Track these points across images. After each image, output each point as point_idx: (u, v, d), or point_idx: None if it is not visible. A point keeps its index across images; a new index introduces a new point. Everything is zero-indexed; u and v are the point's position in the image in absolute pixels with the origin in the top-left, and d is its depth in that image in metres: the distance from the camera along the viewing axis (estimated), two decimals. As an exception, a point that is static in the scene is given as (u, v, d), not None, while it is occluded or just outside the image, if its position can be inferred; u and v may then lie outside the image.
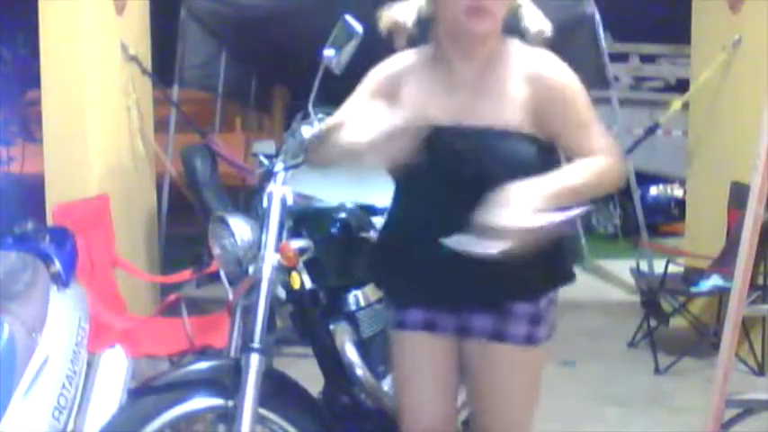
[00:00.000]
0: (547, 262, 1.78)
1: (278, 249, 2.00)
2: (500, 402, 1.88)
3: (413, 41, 1.89)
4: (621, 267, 5.79)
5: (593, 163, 1.76)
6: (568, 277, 1.88)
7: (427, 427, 1.92)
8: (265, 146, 2.39)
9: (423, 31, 1.87)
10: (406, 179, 1.85)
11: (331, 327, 2.17)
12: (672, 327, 4.68)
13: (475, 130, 1.76)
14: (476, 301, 1.82)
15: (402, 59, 1.91)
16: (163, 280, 4.84)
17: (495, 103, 1.77)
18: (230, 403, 1.91)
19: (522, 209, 1.57)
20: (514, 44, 1.83)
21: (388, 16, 1.86)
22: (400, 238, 1.90)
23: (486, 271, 1.64)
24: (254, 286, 1.97)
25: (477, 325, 1.82)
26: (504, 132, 1.75)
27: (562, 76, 1.80)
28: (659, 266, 4.68)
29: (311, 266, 2.12)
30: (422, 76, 1.86)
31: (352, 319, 2.20)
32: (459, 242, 1.61)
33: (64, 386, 2.18)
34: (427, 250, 1.74)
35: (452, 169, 1.76)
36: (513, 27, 1.83)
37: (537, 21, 1.84)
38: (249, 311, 1.97)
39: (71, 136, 4.27)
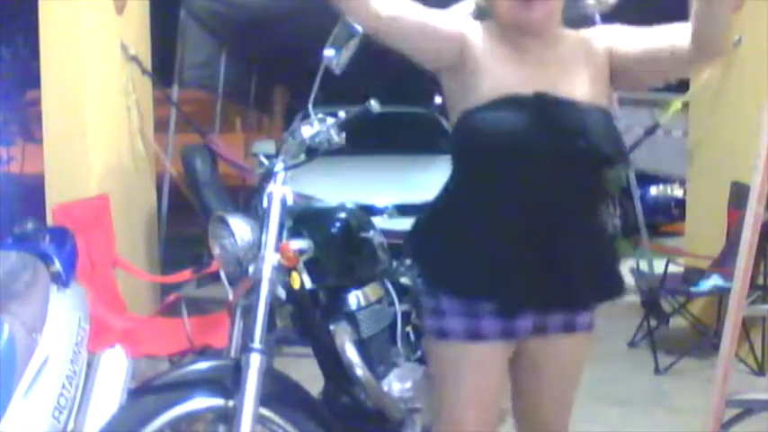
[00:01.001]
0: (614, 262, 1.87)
1: (278, 249, 2.00)
2: (565, 391, 1.92)
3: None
4: (621, 267, 5.78)
5: None
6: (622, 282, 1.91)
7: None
8: (265, 146, 2.40)
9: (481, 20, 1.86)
10: (502, 156, 1.69)
11: (331, 327, 2.17)
12: (672, 327, 4.68)
13: (582, 103, 1.72)
14: (588, 298, 1.82)
15: (470, 24, 1.82)
16: (163, 280, 4.84)
17: (577, 78, 1.77)
18: (230, 403, 1.91)
19: None
20: (569, 32, 1.85)
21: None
22: (495, 236, 1.73)
23: (592, 261, 1.73)
24: (254, 286, 1.97)
25: (552, 323, 1.81)
26: (600, 108, 1.76)
27: (606, 28, 1.86)
28: (659, 266, 4.68)
29: (311, 266, 2.12)
30: (492, 49, 1.77)
31: (352, 319, 2.20)
32: None
33: (64, 386, 2.18)
34: (531, 244, 1.69)
35: (561, 139, 1.67)
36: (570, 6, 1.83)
37: None
38: (249, 311, 1.97)
39: (71, 136, 4.26)
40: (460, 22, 1.80)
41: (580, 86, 1.76)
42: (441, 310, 1.80)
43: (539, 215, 1.69)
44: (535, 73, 1.75)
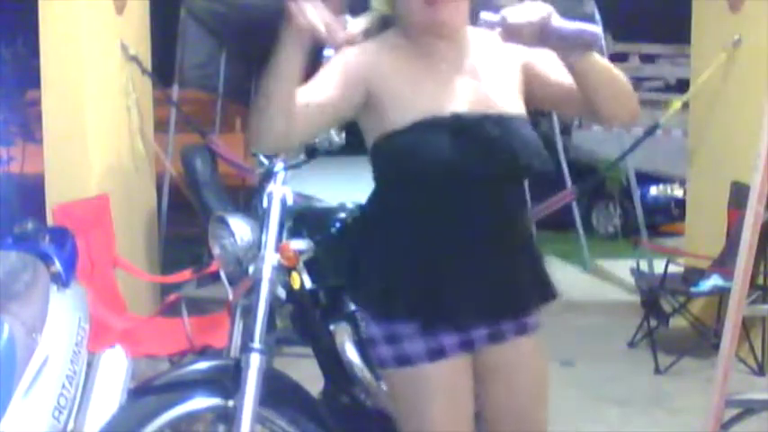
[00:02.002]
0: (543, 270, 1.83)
1: (278, 249, 2.00)
2: (536, 396, 1.86)
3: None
4: (621, 267, 5.79)
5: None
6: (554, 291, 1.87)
7: None
8: (265, 146, 2.39)
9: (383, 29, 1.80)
10: (427, 183, 1.65)
11: (331, 327, 2.17)
12: (672, 327, 4.68)
13: (504, 117, 1.68)
14: (533, 302, 1.80)
15: (368, 48, 1.75)
16: (163, 280, 4.84)
17: (499, 87, 1.73)
18: (230, 403, 1.91)
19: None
20: (473, 31, 1.77)
21: (347, 34, 1.74)
22: (432, 254, 1.70)
23: (531, 266, 1.73)
24: (254, 286, 1.97)
25: (504, 328, 1.78)
26: (522, 118, 1.73)
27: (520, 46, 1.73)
28: (659, 266, 4.68)
29: (311, 266, 2.12)
30: (402, 66, 1.71)
31: (352, 319, 2.20)
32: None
33: (64, 386, 2.18)
34: (472, 259, 1.68)
35: (487, 161, 1.64)
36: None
37: None
38: (249, 311, 1.97)
39: (71, 136, 4.27)
40: (354, 59, 1.72)
41: (499, 92, 1.73)
42: (395, 335, 1.72)
43: (471, 231, 1.68)
44: (452, 85, 1.70)
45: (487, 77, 1.74)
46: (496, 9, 1.64)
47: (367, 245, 1.79)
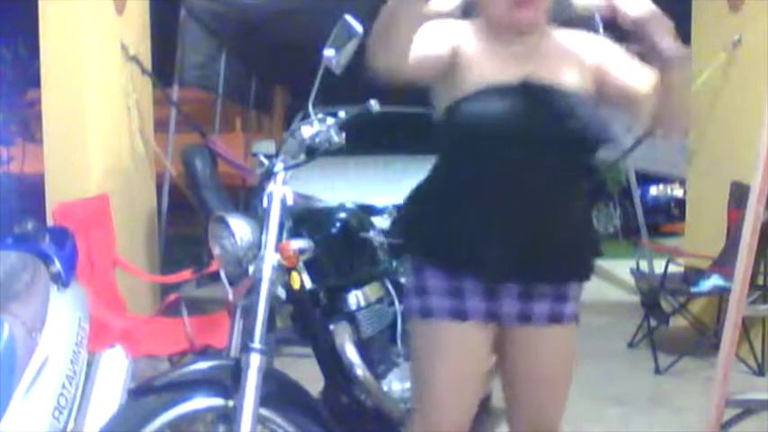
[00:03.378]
0: (590, 239, 1.90)
1: (278, 249, 2.00)
2: (556, 389, 1.91)
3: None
4: (621, 267, 5.79)
5: None
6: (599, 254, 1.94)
7: (456, 425, 1.86)
8: (265, 146, 2.39)
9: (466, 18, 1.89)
10: (500, 139, 1.75)
11: (331, 327, 2.17)
12: (672, 327, 4.68)
13: (562, 88, 1.78)
14: (555, 271, 1.82)
15: (456, 24, 1.86)
16: (163, 280, 4.84)
17: (563, 68, 1.80)
18: (230, 403, 1.91)
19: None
20: (553, 30, 1.88)
21: (429, 9, 1.83)
22: (468, 211, 1.79)
23: (565, 238, 1.78)
24: (254, 286, 1.97)
25: (504, 310, 1.82)
26: (580, 93, 1.79)
27: (606, 41, 1.88)
28: (659, 266, 4.68)
29: (311, 266, 2.12)
30: (479, 45, 1.83)
31: (352, 319, 2.21)
32: None
33: (64, 386, 2.17)
34: (507, 217, 1.75)
35: (550, 126, 1.74)
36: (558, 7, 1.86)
37: None
38: (249, 311, 1.97)
39: (71, 136, 4.26)
40: (450, 28, 1.84)
41: (566, 75, 1.80)
42: (425, 288, 1.83)
43: (524, 194, 1.75)
44: (521, 64, 1.80)
45: (558, 62, 1.81)
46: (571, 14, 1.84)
47: (419, 200, 1.91)
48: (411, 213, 1.94)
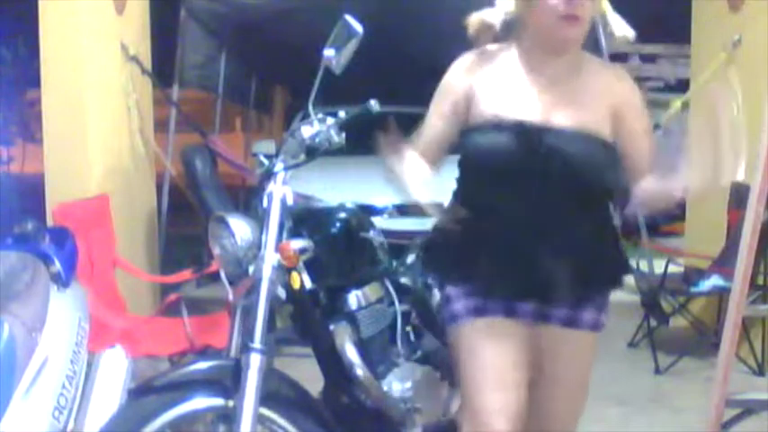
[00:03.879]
0: (618, 257, 1.98)
1: (278, 249, 2.00)
2: (567, 388, 1.97)
3: (496, 41, 1.97)
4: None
5: None
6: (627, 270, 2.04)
7: (517, 418, 1.87)
8: (265, 146, 2.39)
9: (506, 33, 1.95)
10: (495, 173, 1.87)
11: (331, 327, 2.17)
12: (672, 327, 4.68)
13: (566, 130, 1.83)
14: (561, 294, 1.87)
15: (484, 54, 1.96)
16: (163, 280, 4.84)
17: (583, 107, 1.85)
18: (230, 403, 1.91)
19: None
20: (587, 56, 1.94)
21: (477, 17, 1.95)
22: (484, 229, 1.88)
23: (573, 265, 1.82)
24: (254, 286, 1.97)
25: (553, 312, 1.89)
26: (592, 136, 1.84)
27: (633, 87, 1.94)
28: (659, 266, 4.67)
29: (311, 266, 2.12)
30: (507, 72, 1.91)
31: (352, 319, 2.20)
32: None
33: (64, 386, 2.17)
34: (515, 242, 1.84)
35: (541, 165, 1.81)
36: (592, 35, 1.93)
37: (621, 26, 1.93)
38: (249, 311, 1.97)
39: (71, 136, 4.26)
40: (459, 80, 1.94)
41: (590, 116, 1.85)
42: (448, 296, 1.94)
43: (509, 219, 1.85)
44: (543, 98, 1.86)
45: (578, 97, 1.87)
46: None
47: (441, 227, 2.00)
48: (436, 239, 2.02)
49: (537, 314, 1.90)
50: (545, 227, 1.84)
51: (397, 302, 2.34)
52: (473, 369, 1.89)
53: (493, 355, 1.88)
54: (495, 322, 1.89)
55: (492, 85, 1.90)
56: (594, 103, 1.87)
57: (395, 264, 2.44)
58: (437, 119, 1.97)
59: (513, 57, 1.92)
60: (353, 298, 2.23)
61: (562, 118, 1.84)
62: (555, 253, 1.83)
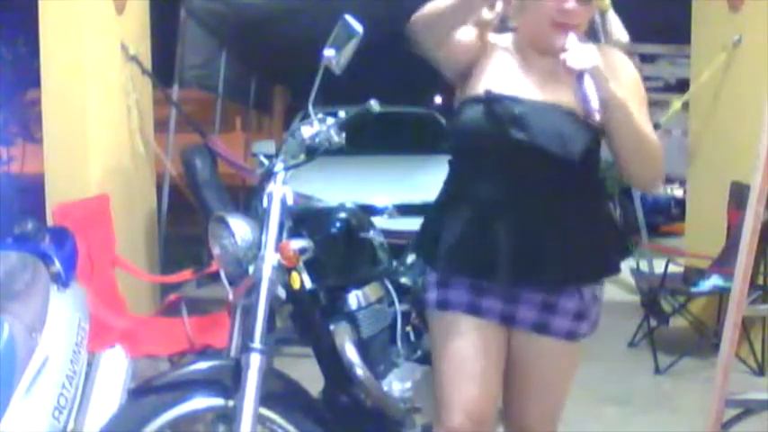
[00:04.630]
0: (598, 250, 1.90)
1: (278, 249, 2.00)
2: (536, 394, 1.94)
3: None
4: (621, 267, 5.78)
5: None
6: (614, 269, 1.97)
7: (478, 415, 1.86)
8: (265, 146, 2.40)
9: (504, 26, 1.96)
10: (470, 149, 1.88)
11: (331, 327, 2.17)
12: (672, 327, 4.68)
13: (536, 101, 1.82)
14: (535, 277, 1.84)
15: (492, 37, 1.96)
16: (163, 280, 4.83)
17: (563, 86, 1.80)
18: (230, 403, 1.91)
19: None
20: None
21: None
22: (457, 208, 1.89)
23: (545, 248, 1.80)
24: (254, 286, 1.97)
25: (521, 315, 1.86)
26: (563, 108, 1.81)
27: (629, 65, 1.92)
28: (659, 266, 4.67)
29: (311, 266, 2.12)
30: (501, 57, 1.91)
31: (352, 319, 2.20)
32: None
33: (64, 386, 2.17)
34: (483, 218, 1.82)
35: (506, 136, 1.79)
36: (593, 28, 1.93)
37: (619, 29, 1.91)
38: (249, 311, 1.97)
39: (71, 136, 4.26)
40: (484, 33, 1.91)
41: (561, 92, 1.80)
42: (448, 283, 1.90)
43: (489, 193, 1.83)
44: (527, 79, 1.85)
45: (561, 78, 1.80)
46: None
47: (435, 210, 1.99)
48: (429, 223, 2.00)
49: (503, 315, 1.87)
50: (519, 204, 1.82)
51: (397, 302, 2.34)
52: (437, 360, 1.92)
53: (480, 348, 1.86)
54: (486, 324, 1.88)
55: (486, 70, 1.90)
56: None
57: (395, 264, 2.44)
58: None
59: (510, 47, 1.92)
60: (353, 298, 2.23)
61: (535, 93, 1.84)
62: (524, 232, 1.81)
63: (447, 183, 1.98)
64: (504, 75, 1.88)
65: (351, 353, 2.14)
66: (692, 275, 4.52)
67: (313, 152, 2.15)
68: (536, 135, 1.78)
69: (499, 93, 1.83)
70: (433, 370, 1.98)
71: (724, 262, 4.18)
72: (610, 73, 1.81)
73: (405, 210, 4.69)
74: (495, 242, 1.81)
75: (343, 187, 4.89)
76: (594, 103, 1.68)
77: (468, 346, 1.86)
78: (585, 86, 1.70)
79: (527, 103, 1.82)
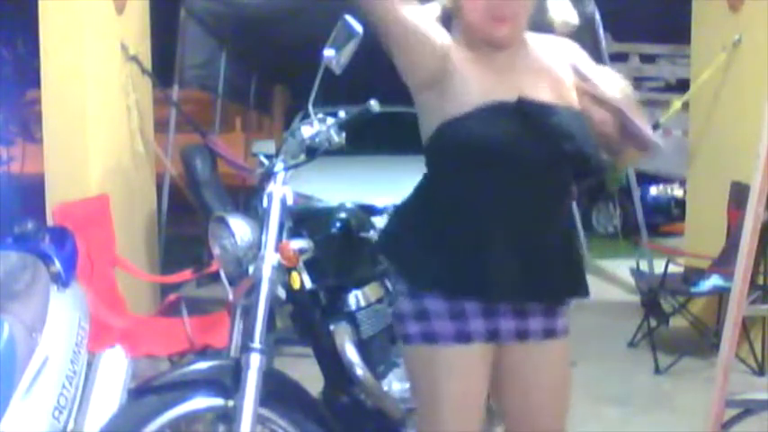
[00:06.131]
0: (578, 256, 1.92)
1: (278, 249, 2.00)
2: (550, 397, 1.89)
3: None
4: (621, 267, 5.79)
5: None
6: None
7: None
8: (265, 146, 2.40)
9: (448, 24, 1.85)
10: (485, 162, 1.72)
11: (331, 327, 2.17)
12: (672, 327, 4.68)
13: (562, 107, 1.76)
14: (545, 291, 1.81)
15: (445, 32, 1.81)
16: (163, 280, 4.83)
17: (548, 83, 1.78)
18: (230, 403, 1.91)
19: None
20: (533, 36, 1.86)
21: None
22: (473, 232, 1.75)
23: (559, 262, 1.79)
24: (254, 286, 1.97)
25: (532, 327, 1.82)
26: (572, 109, 1.79)
27: (563, 41, 1.89)
28: (659, 266, 4.67)
29: (311, 266, 2.12)
30: (468, 56, 1.77)
31: (352, 319, 2.21)
32: None
33: (64, 386, 2.18)
34: (507, 239, 1.74)
35: (545, 147, 1.71)
36: (536, 20, 1.84)
37: (562, 12, 1.87)
38: (249, 311, 1.97)
39: (71, 136, 4.26)
40: (442, 31, 1.79)
41: (552, 91, 1.78)
42: (427, 312, 1.77)
43: (519, 215, 1.75)
44: (508, 80, 1.76)
45: (540, 76, 1.79)
46: (549, 30, 1.83)
47: (411, 224, 1.85)
48: (401, 237, 1.88)
49: (519, 333, 1.81)
50: (523, 218, 1.75)
51: (397, 302, 2.34)
52: (442, 392, 1.79)
53: (467, 384, 1.79)
54: (476, 349, 1.78)
55: (465, 67, 1.75)
56: (557, 73, 1.82)
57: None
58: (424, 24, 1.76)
59: (464, 46, 1.78)
60: (353, 298, 2.23)
61: (548, 96, 1.76)
62: (551, 244, 1.80)
63: (433, 202, 1.82)
64: (490, 79, 1.76)
65: (351, 353, 2.14)
66: (692, 275, 4.52)
67: (313, 152, 2.15)
68: (582, 144, 1.73)
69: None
70: (419, 406, 1.87)
71: (724, 262, 4.18)
72: (552, 60, 1.81)
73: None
74: (503, 261, 1.75)
75: (343, 187, 4.88)
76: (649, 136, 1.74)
77: (464, 383, 1.79)
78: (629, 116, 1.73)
79: (559, 110, 1.75)
